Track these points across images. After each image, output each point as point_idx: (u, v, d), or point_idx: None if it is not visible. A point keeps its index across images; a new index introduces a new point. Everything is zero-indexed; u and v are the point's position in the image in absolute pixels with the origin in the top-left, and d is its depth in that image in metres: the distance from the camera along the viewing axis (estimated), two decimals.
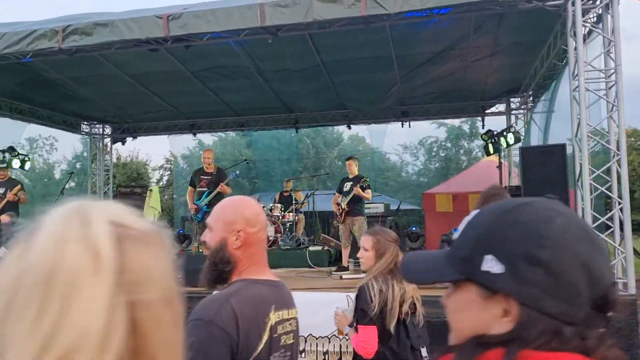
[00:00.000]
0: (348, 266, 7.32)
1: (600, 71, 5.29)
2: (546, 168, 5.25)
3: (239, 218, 1.63)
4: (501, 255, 0.76)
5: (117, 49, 6.49)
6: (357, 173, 7.69)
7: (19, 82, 9.94)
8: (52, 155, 25.00)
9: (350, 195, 7.27)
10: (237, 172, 7.87)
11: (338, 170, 20.99)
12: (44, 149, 25.20)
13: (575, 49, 5.16)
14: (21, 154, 9.12)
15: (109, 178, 11.98)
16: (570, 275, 0.72)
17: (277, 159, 19.02)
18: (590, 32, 5.77)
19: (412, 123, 10.96)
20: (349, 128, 11.31)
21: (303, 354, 5.14)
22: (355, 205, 7.39)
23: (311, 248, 8.63)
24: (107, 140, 12.37)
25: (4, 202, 7.40)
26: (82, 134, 12.10)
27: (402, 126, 10.94)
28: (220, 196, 7.46)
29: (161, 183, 22.64)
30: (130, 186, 10.37)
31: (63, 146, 24.15)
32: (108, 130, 12.38)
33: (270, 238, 9.41)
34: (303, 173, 18.88)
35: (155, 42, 6.25)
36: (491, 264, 0.76)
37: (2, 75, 9.54)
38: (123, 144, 12.50)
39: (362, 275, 6.62)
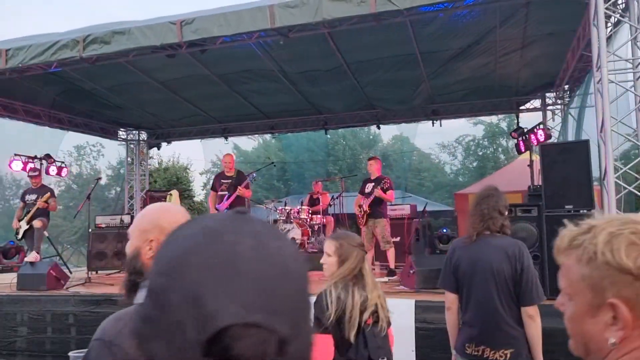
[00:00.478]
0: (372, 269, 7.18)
1: (627, 61, 4.96)
2: (567, 166, 4.95)
3: (153, 227, 1.56)
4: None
5: (135, 56, 6.61)
6: (379, 174, 7.53)
7: (58, 92, 10.34)
8: (99, 161, 25.90)
9: (372, 197, 7.13)
10: (255, 174, 7.88)
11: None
12: (91, 155, 26.11)
13: (598, 38, 4.86)
14: (57, 161, 9.46)
15: (146, 183, 12.31)
16: (176, 311, 0.56)
17: (311, 161, 18.98)
18: (618, 21, 5.44)
19: (446, 122, 10.70)
20: (379, 128, 11.14)
21: None
22: (377, 207, 7.24)
23: None
24: (143, 146, 12.69)
25: (34, 208, 7.67)
26: (119, 140, 12.45)
27: (433, 125, 10.67)
28: (239, 199, 7.48)
29: (208, 187, 23.17)
30: (160, 191, 10.59)
31: (109, 152, 25.00)
32: (144, 136, 12.70)
33: (297, 241, 9.38)
34: (337, 175, 18.76)
35: (170, 47, 6.32)
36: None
37: (44, 86, 9.98)
38: (158, 149, 12.79)
39: (385, 279, 6.48)
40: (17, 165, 8.69)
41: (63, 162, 9.84)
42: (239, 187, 7.40)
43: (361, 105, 10.56)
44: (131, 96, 10.50)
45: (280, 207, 9.71)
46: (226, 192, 7.44)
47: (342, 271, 2.61)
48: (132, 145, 12.57)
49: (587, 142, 4.93)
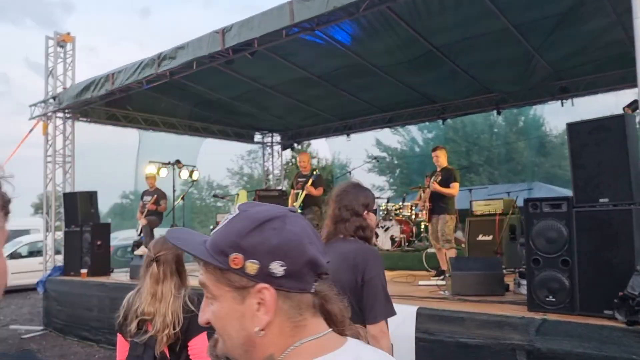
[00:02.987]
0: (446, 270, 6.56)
1: None
2: (602, 149, 3.86)
3: None
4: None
5: (200, 67, 7.11)
6: (445, 165, 6.81)
7: (193, 104, 11.66)
8: (269, 163, 27.46)
9: (429, 191, 6.50)
10: (318, 172, 7.78)
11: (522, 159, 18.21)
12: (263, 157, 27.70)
13: None
14: (187, 165, 10.65)
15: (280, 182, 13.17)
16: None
17: (453, 152, 17.42)
18: None
19: (576, 100, 9.15)
20: (499, 114, 9.99)
21: None
22: (440, 201, 6.56)
23: (430, 250, 7.94)
24: (278, 148, 13.50)
25: (146, 210, 8.78)
26: (254, 144, 13.43)
27: (562, 105, 9.20)
28: (308, 198, 7.49)
29: None
30: (268, 190, 11.13)
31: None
32: (277, 138, 13.50)
33: (395, 238, 9.01)
34: (484, 166, 17.10)
35: (220, 55, 6.67)
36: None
37: (180, 101, 11.37)
38: (292, 149, 13.44)
39: (441, 282, 5.90)
40: (151, 170, 10.04)
41: (194, 166, 11.04)
42: (306, 185, 7.43)
43: (474, 90, 9.65)
44: (254, 103, 11.27)
45: (383, 204, 9.44)
46: (299, 191, 7.55)
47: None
48: (268, 148, 13.47)
49: (622, 117, 3.77)
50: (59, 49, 9.51)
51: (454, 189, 6.55)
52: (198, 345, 2.44)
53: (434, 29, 7.58)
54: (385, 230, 9.14)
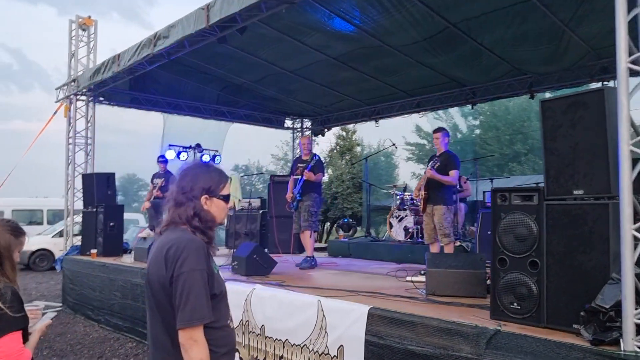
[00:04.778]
0: None
1: None
2: (577, 131, 3.20)
3: None
4: None
5: (193, 47, 6.87)
6: (444, 149, 6.18)
7: (220, 89, 11.55)
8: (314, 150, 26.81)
9: (424, 179, 5.91)
10: (317, 155, 7.34)
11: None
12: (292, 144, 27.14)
13: None
14: (208, 150, 10.54)
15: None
16: None
17: (496, 139, 16.19)
18: None
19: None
20: (532, 97, 9.08)
21: None
22: (436, 190, 5.95)
23: None
24: (308, 133, 13.13)
25: (153, 196, 8.64)
26: (285, 129, 13.15)
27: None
28: (307, 184, 7.11)
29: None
30: (283, 175, 10.81)
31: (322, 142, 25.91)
32: (308, 123, 13.15)
33: (409, 229, 8.47)
34: (528, 155, 15.72)
35: (210, 33, 6.40)
36: None
37: (207, 85, 11.30)
38: (323, 135, 13.05)
39: (421, 279, 5.37)
40: (171, 154, 10.01)
41: (217, 151, 10.91)
42: (305, 170, 7.03)
43: (503, 71, 8.84)
44: (278, 87, 11.01)
45: (400, 193, 8.89)
46: (299, 176, 7.16)
47: None
48: (298, 133, 13.15)
49: (601, 91, 3.10)
50: (80, 32, 9.61)
51: (454, 176, 5.94)
52: (3, 348, 2.15)
53: (448, 4, 6.94)
54: (400, 220, 8.61)
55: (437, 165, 5.98)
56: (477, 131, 17.71)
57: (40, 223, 18.50)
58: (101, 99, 9.89)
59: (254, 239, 10.11)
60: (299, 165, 7.31)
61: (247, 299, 4.98)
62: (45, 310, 2.76)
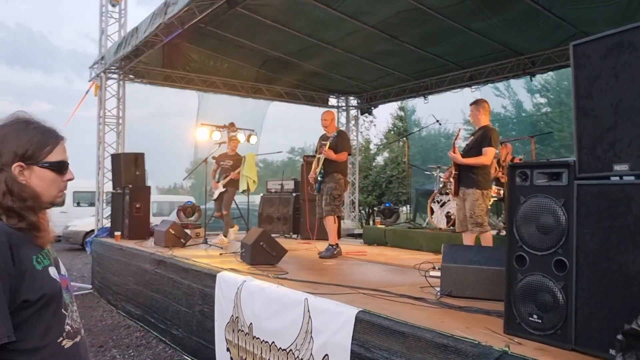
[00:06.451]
0: None
1: None
2: (621, 83, 2.27)
3: None
4: None
5: (204, 13, 6.31)
6: (484, 123, 5.22)
7: (259, 65, 11.02)
8: (370, 132, 24.90)
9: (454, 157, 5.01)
10: (340, 131, 6.56)
11: None
12: (363, 125, 25.05)
13: None
14: (244, 129, 9.99)
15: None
16: None
17: (563, 115, 14.34)
18: None
19: None
20: None
21: None
22: (468, 170, 5.04)
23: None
24: (355, 112, 12.36)
25: (228, 178, 7.87)
26: (329, 107, 12.41)
27: None
28: (329, 163, 6.38)
29: None
30: (312, 156, 10.06)
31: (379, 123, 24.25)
32: (354, 101, 12.35)
33: (451, 216, 7.56)
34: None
35: None
36: None
37: (245, 61, 10.82)
38: (369, 114, 12.25)
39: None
40: (203, 133, 9.57)
41: (253, 130, 10.36)
42: (322, 148, 6.30)
43: (566, 35, 7.65)
44: (318, 61, 10.33)
45: (443, 175, 7.96)
46: (321, 155, 6.45)
47: None
48: (343, 112, 12.41)
49: None
50: (110, 8, 9.34)
51: (487, 155, 5.00)
52: None
53: None
54: (442, 205, 7.71)
55: (469, 141, 5.07)
56: (545, 109, 16.03)
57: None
58: (132, 76, 9.61)
59: (287, 224, 9.56)
60: (322, 142, 6.60)
61: (237, 293, 4.39)
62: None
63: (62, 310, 1.56)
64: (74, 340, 1.58)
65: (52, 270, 1.55)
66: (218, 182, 8.29)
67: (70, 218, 17.18)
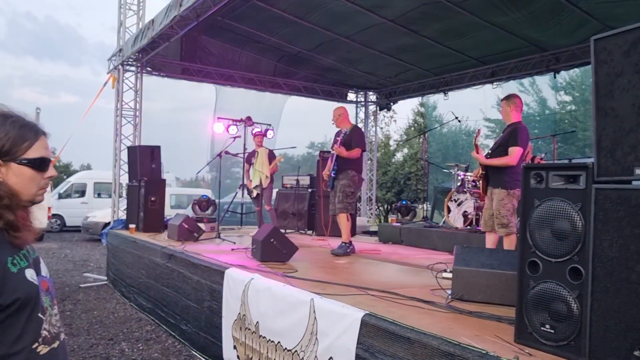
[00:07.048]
0: None
1: None
2: None
3: None
4: None
5: (218, 5, 6.24)
6: (514, 120, 5.03)
7: (277, 59, 10.95)
8: (390, 127, 24.36)
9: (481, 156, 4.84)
10: (354, 126, 6.40)
11: None
12: (383, 121, 24.68)
13: None
14: (261, 124, 9.90)
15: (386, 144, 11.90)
16: None
17: (587, 113, 13.87)
18: None
19: None
20: None
21: None
22: (496, 171, 4.87)
23: None
24: (374, 107, 12.20)
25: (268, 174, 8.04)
26: (348, 102, 12.26)
27: None
28: (343, 159, 6.25)
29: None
30: (328, 152, 9.92)
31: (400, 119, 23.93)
32: (373, 96, 12.19)
33: (468, 215, 7.39)
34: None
35: None
36: None
37: (263, 55, 10.77)
38: (388, 110, 12.08)
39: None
40: (219, 127, 9.52)
41: (270, 125, 10.27)
42: (335, 145, 6.18)
43: (592, 31, 7.38)
44: (336, 55, 10.24)
45: (461, 173, 7.79)
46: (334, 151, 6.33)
47: None
48: (362, 107, 12.26)
49: None
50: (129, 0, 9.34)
51: (512, 155, 4.81)
52: None
53: None
54: (459, 204, 7.54)
55: (498, 139, 4.90)
56: (570, 107, 15.58)
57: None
58: (149, 69, 9.61)
59: (302, 220, 9.47)
60: (336, 138, 6.48)
61: (245, 290, 4.32)
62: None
63: (39, 314, 1.48)
64: (51, 346, 1.50)
65: (29, 273, 1.47)
66: (252, 181, 8.41)
67: (91, 209, 17.42)
